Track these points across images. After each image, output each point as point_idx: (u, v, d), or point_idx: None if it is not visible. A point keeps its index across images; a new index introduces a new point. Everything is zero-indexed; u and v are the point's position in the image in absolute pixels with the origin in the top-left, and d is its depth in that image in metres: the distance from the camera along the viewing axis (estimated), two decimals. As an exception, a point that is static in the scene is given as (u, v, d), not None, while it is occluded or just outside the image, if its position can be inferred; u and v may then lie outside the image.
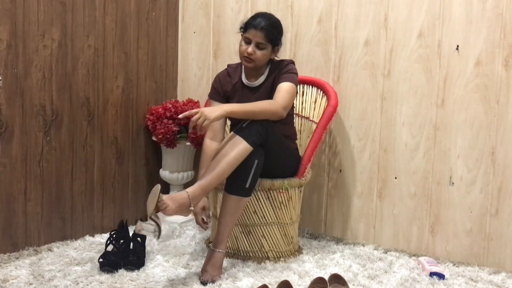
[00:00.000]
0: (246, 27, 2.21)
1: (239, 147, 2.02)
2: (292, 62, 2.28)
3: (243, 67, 2.32)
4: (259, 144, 2.08)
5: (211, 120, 1.99)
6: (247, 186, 2.07)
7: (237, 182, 2.06)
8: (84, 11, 2.42)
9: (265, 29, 2.17)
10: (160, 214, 1.98)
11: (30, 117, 2.24)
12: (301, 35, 2.62)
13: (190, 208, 1.97)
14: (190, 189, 1.97)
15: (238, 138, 2.03)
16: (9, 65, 2.15)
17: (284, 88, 2.18)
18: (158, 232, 1.93)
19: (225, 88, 2.33)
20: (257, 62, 2.21)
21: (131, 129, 2.70)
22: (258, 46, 2.18)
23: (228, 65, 2.40)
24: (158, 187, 1.91)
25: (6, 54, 2.14)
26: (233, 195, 2.07)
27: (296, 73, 2.26)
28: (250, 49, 2.18)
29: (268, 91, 2.25)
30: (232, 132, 2.08)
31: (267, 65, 2.29)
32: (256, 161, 2.06)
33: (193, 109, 2.67)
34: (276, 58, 2.32)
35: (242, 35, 2.23)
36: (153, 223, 1.93)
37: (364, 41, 2.48)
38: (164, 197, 1.91)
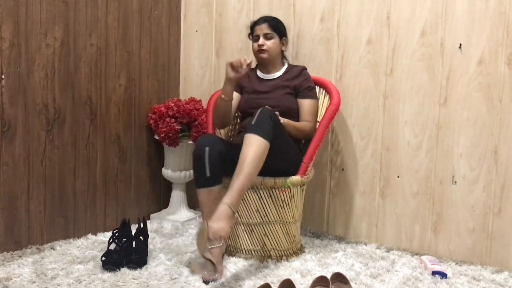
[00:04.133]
0: (251, 28, 2.47)
1: (256, 144, 2.03)
2: (305, 69, 2.47)
3: (257, 66, 2.50)
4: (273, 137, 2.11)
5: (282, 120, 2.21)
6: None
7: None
8: (87, 10, 2.42)
9: (267, 20, 2.43)
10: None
11: (33, 116, 2.24)
12: (303, 34, 2.62)
13: (235, 215, 1.97)
14: (227, 200, 1.93)
15: (252, 136, 2.05)
16: (12, 64, 2.16)
17: (312, 108, 2.40)
18: (213, 270, 1.86)
19: (241, 84, 2.49)
20: (270, 51, 2.41)
21: (133, 128, 2.71)
22: (266, 36, 2.41)
23: None
24: (204, 226, 1.85)
25: (9, 53, 2.14)
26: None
27: (315, 86, 2.46)
28: (260, 41, 2.41)
29: (282, 88, 2.40)
30: (245, 134, 2.08)
31: (282, 63, 2.49)
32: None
33: (195, 107, 2.70)
34: (288, 60, 2.53)
35: (252, 37, 2.47)
36: (206, 260, 1.88)
37: (366, 39, 2.47)
38: (214, 225, 1.85)
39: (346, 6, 2.51)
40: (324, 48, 2.58)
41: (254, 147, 2.02)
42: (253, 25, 2.45)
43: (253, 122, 2.08)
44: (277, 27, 2.43)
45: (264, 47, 2.39)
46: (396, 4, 2.40)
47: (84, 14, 2.41)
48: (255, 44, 2.42)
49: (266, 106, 2.19)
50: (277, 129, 2.12)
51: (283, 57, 2.51)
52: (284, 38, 2.46)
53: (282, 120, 2.22)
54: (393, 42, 2.42)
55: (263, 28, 2.41)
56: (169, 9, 2.86)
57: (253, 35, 2.45)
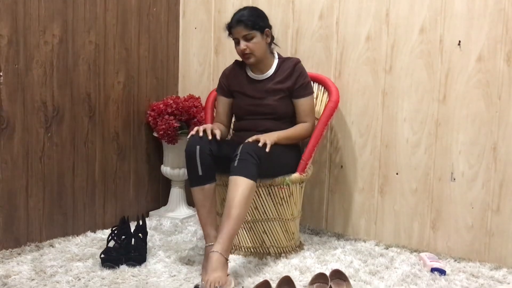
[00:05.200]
0: (228, 30, 2.29)
1: (242, 187, 2.00)
2: (299, 62, 2.35)
3: (246, 65, 2.37)
4: (258, 172, 2.06)
5: (270, 145, 2.10)
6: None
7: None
8: (85, 7, 2.41)
9: (242, 20, 2.22)
10: None
11: (31, 113, 2.24)
12: (303, 31, 2.62)
13: (228, 262, 1.96)
14: (218, 247, 1.92)
15: (237, 178, 2.01)
16: (10, 61, 2.15)
17: (309, 107, 2.33)
18: None
19: (230, 82, 2.38)
20: (255, 53, 2.25)
21: (132, 125, 2.70)
22: (246, 38, 2.23)
23: (236, 60, 2.44)
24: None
25: (7, 50, 2.14)
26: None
27: (309, 80, 2.36)
28: (241, 46, 2.24)
29: (275, 92, 2.30)
30: (230, 176, 2.04)
31: (272, 57, 2.35)
32: None
33: (194, 105, 2.69)
34: (278, 52, 2.38)
35: (233, 41, 2.30)
36: None
37: (365, 36, 2.47)
38: (211, 277, 1.85)
39: (345, 3, 2.50)
40: (323, 45, 2.58)
41: (240, 189, 1.99)
42: (230, 28, 2.26)
43: (235, 164, 2.03)
44: (255, 24, 2.23)
45: (247, 51, 2.23)
46: (395, 1, 2.40)
47: (83, 11, 2.41)
48: (237, 49, 2.26)
49: (248, 140, 2.10)
50: (265, 156, 2.07)
51: (271, 45, 2.35)
52: (266, 29, 2.27)
53: (269, 144, 2.09)
54: (392, 39, 2.42)
55: (240, 31, 2.22)
56: (167, 6, 2.85)
57: (232, 38, 2.28)
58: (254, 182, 2.03)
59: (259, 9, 2.34)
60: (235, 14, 2.28)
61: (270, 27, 2.32)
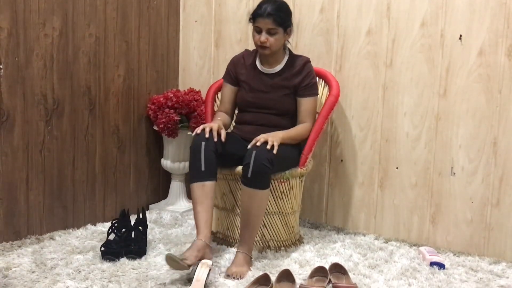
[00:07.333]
0: (254, 16, 2.24)
1: (258, 200, 2.10)
2: (309, 61, 2.34)
3: (257, 54, 2.36)
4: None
5: (277, 146, 2.11)
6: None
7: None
8: (85, 0, 2.41)
9: (272, 14, 2.19)
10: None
11: (32, 106, 2.24)
12: (303, 24, 2.61)
13: (252, 259, 2.12)
14: (244, 249, 2.08)
15: (253, 192, 2.09)
16: (10, 54, 2.15)
17: (311, 107, 2.32)
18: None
19: (238, 70, 2.37)
20: (273, 48, 2.24)
21: (132, 118, 2.70)
22: (269, 32, 2.21)
23: (246, 50, 2.44)
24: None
25: (7, 42, 2.13)
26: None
27: (316, 81, 2.36)
28: (262, 37, 2.22)
29: (281, 88, 2.30)
30: (243, 186, 2.11)
31: (284, 53, 2.34)
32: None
33: (194, 98, 2.69)
34: (289, 48, 2.37)
35: (252, 26, 2.26)
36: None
37: (366, 30, 2.46)
38: (235, 269, 2.02)
39: (346, -4, 2.50)
40: (324, 39, 2.57)
41: (256, 202, 2.09)
42: (257, 15, 2.21)
43: (249, 175, 2.06)
44: (283, 21, 2.21)
45: (267, 44, 2.21)
46: (396, -5, 2.39)
47: (83, 4, 2.40)
48: (256, 38, 2.23)
49: (256, 144, 2.10)
50: (276, 159, 2.10)
51: (285, 45, 2.34)
52: (288, 28, 2.27)
53: (277, 145, 2.10)
54: (393, 33, 2.41)
55: (267, 23, 2.19)
56: (168, -1, 2.85)
57: (254, 24, 2.23)
58: (268, 190, 2.12)
59: (287, 5, 2.31)
60: (264, 4, 2.22)
61: (292, 25, 2.31)
